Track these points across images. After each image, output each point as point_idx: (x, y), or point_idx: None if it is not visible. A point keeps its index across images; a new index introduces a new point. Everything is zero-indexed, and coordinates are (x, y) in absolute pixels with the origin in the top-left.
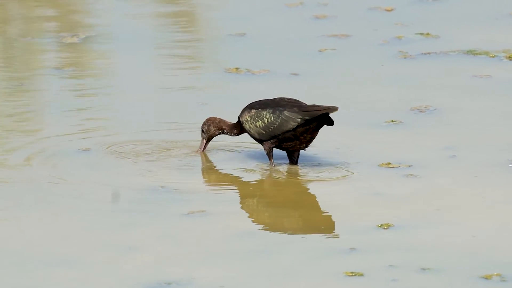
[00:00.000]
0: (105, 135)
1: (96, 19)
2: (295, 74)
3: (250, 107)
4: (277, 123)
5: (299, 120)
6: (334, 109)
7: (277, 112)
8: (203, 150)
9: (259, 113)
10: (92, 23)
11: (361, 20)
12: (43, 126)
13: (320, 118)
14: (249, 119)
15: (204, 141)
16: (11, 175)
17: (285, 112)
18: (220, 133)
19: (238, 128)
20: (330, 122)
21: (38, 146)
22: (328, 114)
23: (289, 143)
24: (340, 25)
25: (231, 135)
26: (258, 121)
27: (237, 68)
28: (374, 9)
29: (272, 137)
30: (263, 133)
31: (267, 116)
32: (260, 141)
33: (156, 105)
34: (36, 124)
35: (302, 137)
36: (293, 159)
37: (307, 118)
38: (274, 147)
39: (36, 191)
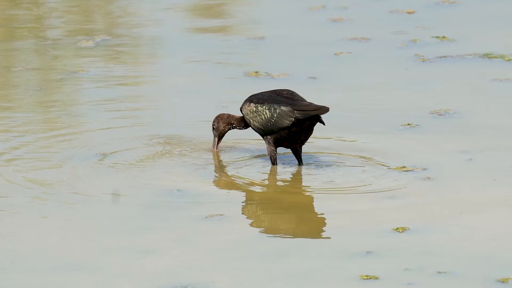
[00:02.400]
0: (121, 138)
1: (112, 22)
2: (313, 78)
3: (250, 100)
4: (273, 120)
5: (293, 119)
6: (326, 110)
7: (273, 109)
8: (217, 148)
9: (258, 108)
10: (108, 27)
11: (382, 23)
12: (60, 130)
13: (312, 118)
14: (249, 113)
15: (216, 139)
16: (26, 178)
17: (279, 110)
18: (230, 129)
19: (245, 122)
20: (322, 122)
21: (54, 150)
22: (318, 115)
23: (285, 142)
24: (361, 28)
25: (240, 128)
26: (257, 117)
27: (256, 72)
28: (395, 12)
29: (270, 133)
30: (261, 129)
31: (265, 112)
32: (261, 136)
33: (175, 109)
34: (53, 128)
35: (296, 137)
36: (298, 154)
37: (300, 117)
38: (276, 146)
39: (53, 194)
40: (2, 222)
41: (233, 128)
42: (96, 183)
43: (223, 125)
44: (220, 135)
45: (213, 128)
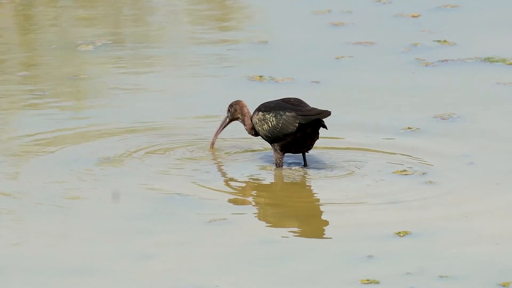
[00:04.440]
0: (122, 142)
1: (111, 27)
2: (317, 82)
3: (258, 109)
4: (279, 126)
5: (297, 124)
6: (327, 114)
7: (278, 115)
8: (212, 146)
9: (265, 116)
10: (108, 32)
11: (386, 27)
12: (61, 133)
13: (314, 122)
14: (257, 121)
15: (221, 129)
16: (28, 182)
17: (284, 117)
18: (238, 120)
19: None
20: (324, 126)
21: (56, 154)
22: (320, 119)
23: (292, 148)
24: (365, 32)
25: (247, 131)
26: (264, 124)
27: (260, 76)
28: (400, 16)
29: (277, 140)
30: (269, 136)
31: (271, 120)
32: (269, 143)
33: (178, 113)
34: (54, 131)
35: (302, 142)
36: (303, 156)
37: (303, 122)
38: (284, 152)
39: (53, 199)
40: (3, 225)
41: (240, 121)
42: (98, 187)
43: (239, 114)
44: (230, 120)
45: (228, 110)
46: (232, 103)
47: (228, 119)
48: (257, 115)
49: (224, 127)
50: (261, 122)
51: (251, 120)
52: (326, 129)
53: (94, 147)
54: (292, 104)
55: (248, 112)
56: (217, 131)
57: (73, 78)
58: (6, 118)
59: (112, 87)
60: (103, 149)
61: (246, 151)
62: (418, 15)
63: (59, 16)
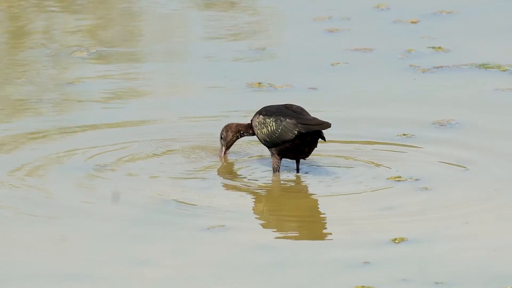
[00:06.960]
0: (120, 148)
1: (105, 33)
2: (314, 89)
3: (259, 112)
4: (278, 132)
5: (296, 132)
6: (327, 125)
7: (279, 121)
8: (224, 154)
9: (265, 120)
10: (102, 38)
11: (385, 33)
12: (59, 139)
13: (314, 132)
14: (257, 124)
15: (224, 148)
16: (22, 188)
17: (284, 123)
18: (238, 137)
19: (253, 129)
20: (323, 138)
21: (52, 161)
22: (319, 130)
23: (290, 153)
24: (364, 39)
25: (247, 135)
26: (264, 128)
27: (259, 83)
28: (399, 22)
29: (274, 145)
30: (267, 140)
31: (271, 124)
32: (268, 148)
33: (175, 119)
34: (52, 137)
35: (300, 149)
36: (297, 163)
37: (303, 131)
38: (281, 157)
39: (49, 204)
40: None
41: (241, 136)
42: (94, 192)
43: (232, 134)
44: (228, 145)
45: (221, 137)
46: (221, 131)
47: (224, 147)
48: (258, 118)
49: (226, 152)
50: (260, 126)
51: (251, 123)
52: (324, 140)
53: (90, 153)
54: (293, 111)
55: (238, 123)
56: (221, 156)
57: (68, 85)
58: (3, 124)
59: (107, 92)
60: (99, 154)
61: (244, 156)
62: (417, 21)
63: (53, 23)
